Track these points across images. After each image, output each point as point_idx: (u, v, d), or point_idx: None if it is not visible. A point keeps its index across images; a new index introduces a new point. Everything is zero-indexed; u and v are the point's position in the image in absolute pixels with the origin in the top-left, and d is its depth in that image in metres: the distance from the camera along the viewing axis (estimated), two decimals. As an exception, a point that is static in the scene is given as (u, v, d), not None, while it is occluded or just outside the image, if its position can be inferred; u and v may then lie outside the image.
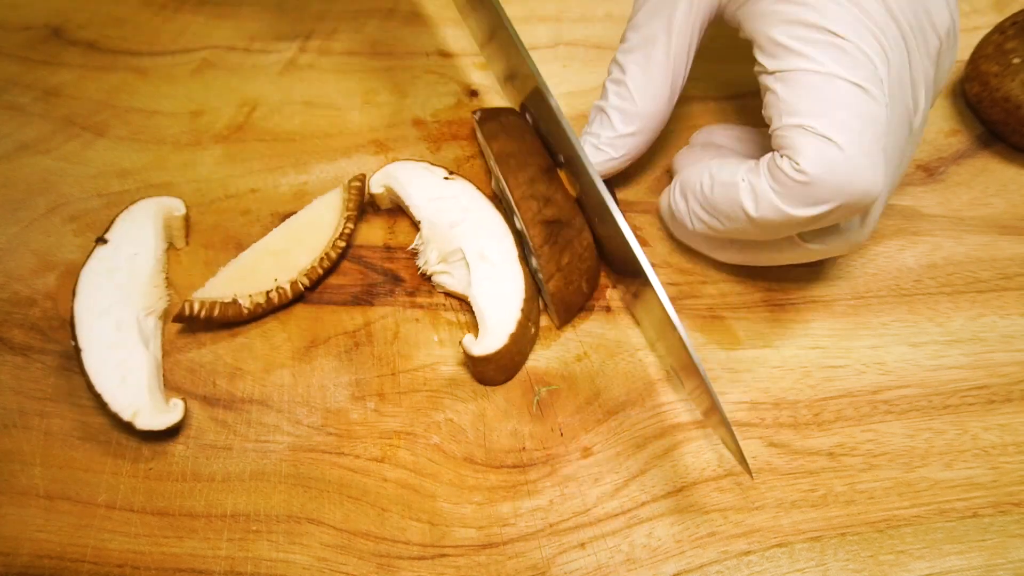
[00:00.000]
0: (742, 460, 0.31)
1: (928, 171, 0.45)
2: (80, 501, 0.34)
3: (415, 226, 0.41)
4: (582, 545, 0.32)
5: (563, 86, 0.48)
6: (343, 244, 0.40)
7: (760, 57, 0.32)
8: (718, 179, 0.33)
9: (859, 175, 0.29)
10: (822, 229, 0.32)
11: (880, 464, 0.34)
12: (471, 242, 0.38)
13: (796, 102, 0.30)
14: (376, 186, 0.42)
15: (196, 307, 0.37)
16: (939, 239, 0.42)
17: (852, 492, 0.33)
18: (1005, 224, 0.42)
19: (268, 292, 0.38)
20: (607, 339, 0.38)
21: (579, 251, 0.37)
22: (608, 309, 0.39)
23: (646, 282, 0.33)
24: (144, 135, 0.46)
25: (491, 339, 0.35)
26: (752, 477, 0.33)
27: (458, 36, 0.51)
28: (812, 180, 0.29)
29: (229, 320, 0.38)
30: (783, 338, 0.38)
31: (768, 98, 0.32)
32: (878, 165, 0.30)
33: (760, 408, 0.36)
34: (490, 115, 0.41)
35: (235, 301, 0.38)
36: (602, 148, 0.38)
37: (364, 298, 0.39)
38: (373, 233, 0.42)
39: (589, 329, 0.38)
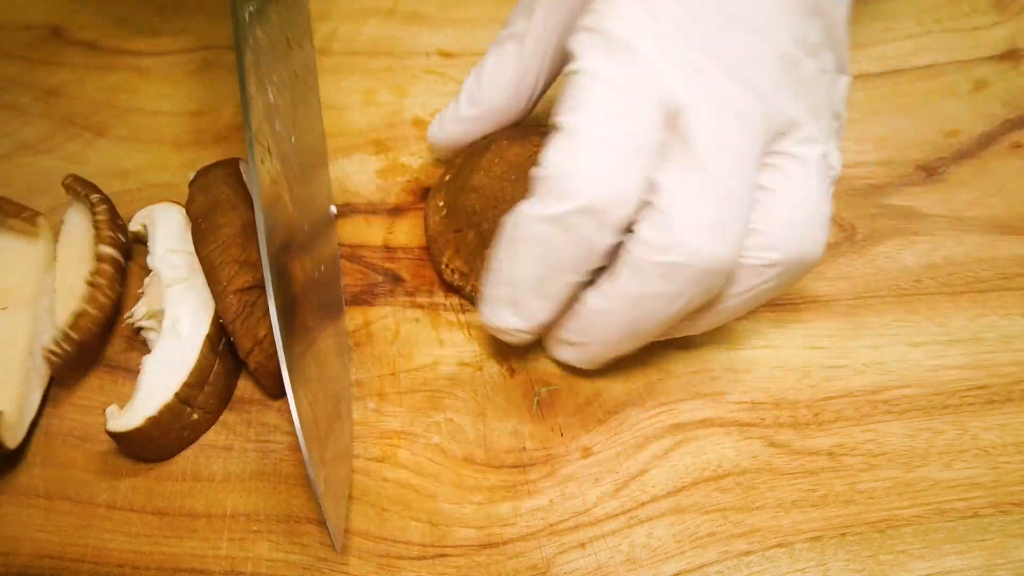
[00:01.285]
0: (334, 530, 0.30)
1: (928, 171, 0.45)
2: (80, 501, 0.33)
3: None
4: (582, 545, 0.32)
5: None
6: (104, 298, 0.36)
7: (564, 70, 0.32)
8: (506, 237, 0.31)
9: (596, 166, 0.28)
10: (655, 234, 0.29)
11: (880, 464, 0.34)
12: (174, 308, 0.36)
13: (559, 99, 0.30)
14: (135, 224, 0.40)
15: None
16: (939, 239, 0.42)
17: (852, 492, 0.33)
18: (1005, 224, 0.42)
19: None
20: (607, 339, 0.38)
21: None
22: (608, 309, 0.39)
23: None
24: (144, 135, 0.46)
25: (129, 417, 0.33)
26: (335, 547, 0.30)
27: (458, 36, 0.51)
28: (549, 174, 0.28)
29: None
30: (783, 338, 0.38)
31: None
32: (618, 160, 0.28)
33: (760, 408, 0.36)
34: (201, 173, 0.40)
35: None
36: (443, 124, 0.40)
37: (364, 298, 0.39)
38: (373, 233, 0.42)
39: (589, 329, 0.38)
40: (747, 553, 0.32)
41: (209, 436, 0.35)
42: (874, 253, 0.41)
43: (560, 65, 0.37)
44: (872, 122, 0.47)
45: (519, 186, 0.36)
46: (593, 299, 0.31)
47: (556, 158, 0.29)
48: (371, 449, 0.35)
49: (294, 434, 0.35)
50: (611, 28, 0.29)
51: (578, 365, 0.35)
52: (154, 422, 0.33)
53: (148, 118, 0.47)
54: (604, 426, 0.35)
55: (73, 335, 0.35)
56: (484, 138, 0.40)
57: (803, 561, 0.32)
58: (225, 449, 0.35)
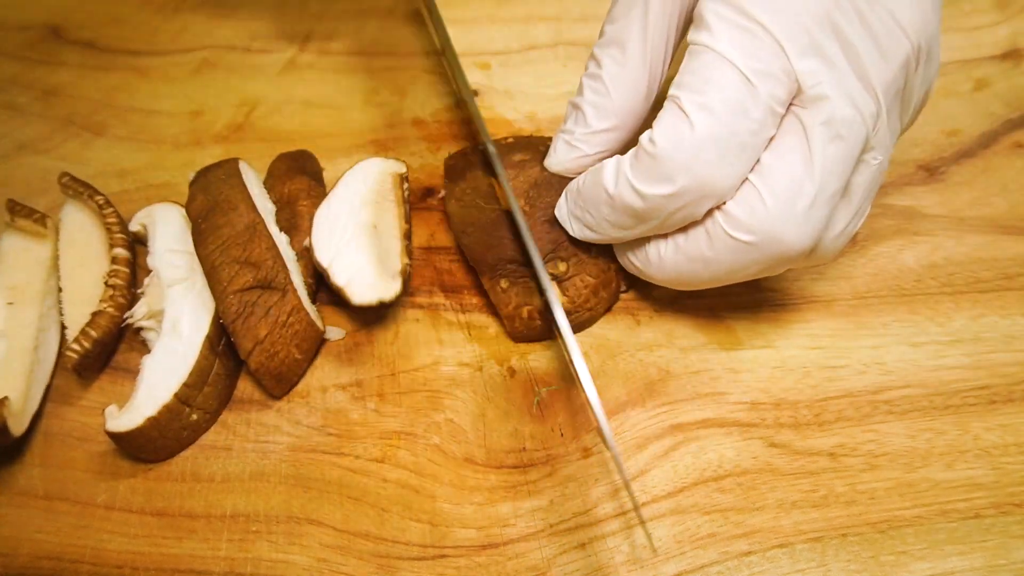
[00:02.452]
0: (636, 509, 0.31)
1: (929, 171, 0.45)
2: (79, 502, 0.33)
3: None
4: (582, 545, 0.32)
5: (563, 86, 0.48)
6: (122, 299, 0.36)
7: (689, 33, 0.31)
8: (592, 170, 0.33)
9: (703, 158, 0.29)
10: (748, 215, 0.30)
11: (881, 464, 0.34)
12: (174, 308, 0.36)
13: (683, 75, 0.30)
14: (135, 224, 0.40)
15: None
16: (940, 239, 0.41)
17: (853, 493, 0.33)
18: (1006, 224, 0.42)
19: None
20: (607, 339, 0.38)
21: (282, 318, 0.35)
22: (610, 311, 0.39)
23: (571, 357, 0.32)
24: (143, 135, 0.46)
25: (129, 417, 0.33)
26: (654, 551, 0.32)
27: (458, 36, 0.51)
28: (658, 154, 0.29)
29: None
30: (784, 338, 0.38)
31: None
32: (727, 156, 0.29)
33: (761, 408, 0.36)
34: (201, 173, 0.40)
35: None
36: (575, 144, 0.36)
37: (364, 298, 0.39)
38: (373, 233, 0.42)
39: (589, 330, 0.38)
40: (748, 554, 0.32)
41: (209, 436, 0.35)
42: (875, 253, 0.41)
43: (680, 36, 0.35)
44: (873, 122, 0.47)
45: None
46: (662, 246, 0.33)
47: (668, 139, 0.29)
48: (371, 449, 0.35)
49: (294, 435, 0.35)
50: (748, 7, 0.29)
51: (640, 276, 0.36)
52: (153, 422, 0.33)
53: (147, 118, 0.47)
54: (604, 426, 0.35)
55: (93, 333, 0.35)
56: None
57: (804, 562, 0.31)
58: (224, 450, 0.35)
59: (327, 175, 0.44)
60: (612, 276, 0.38)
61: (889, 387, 0.36)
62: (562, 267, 0.37)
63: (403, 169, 0.42)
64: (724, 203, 0.30)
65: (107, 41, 0.51)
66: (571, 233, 0.36)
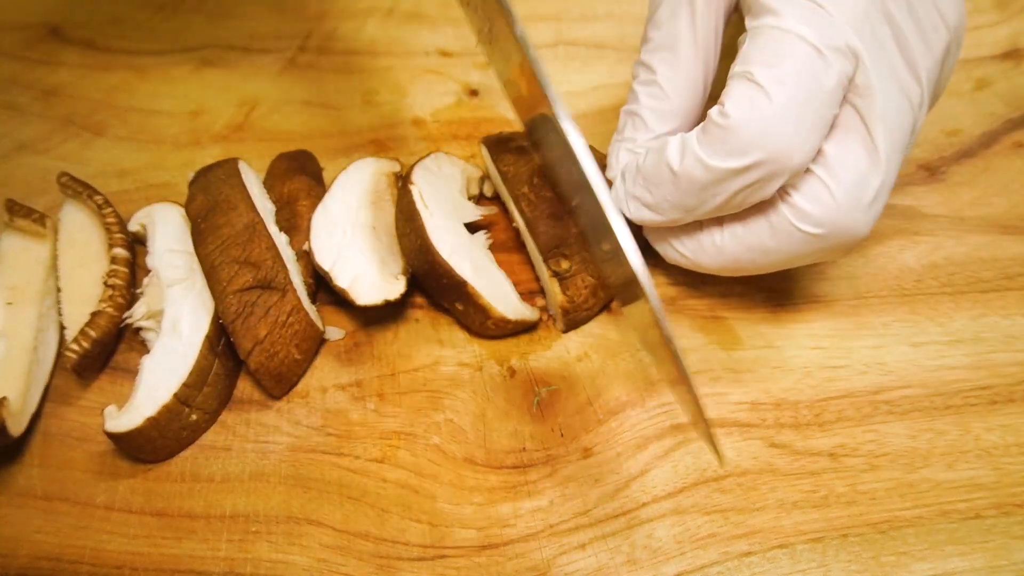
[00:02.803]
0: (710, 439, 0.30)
1: (929, 170, 0.45)
2: (78, 502, 0.33)
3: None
4: (582, 546, 0.32)
5: (563, 86, 0.48)
6: (121, 299, 0.36)
7: (745, 20, 0.31)
8: (654, 148, 0.33)
9: (780, 129, 0.29)
10: (817, 207, 0.30)
11: (882, 465, 0.34)
12: (174, 308, 0.36)
13: (750, 52, 0.30)
14: (134, 224, 0.40)
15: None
16: (940, 239, 0.41)
17: (854, 493, 0.33)
18: (1007, 224, 0.42)
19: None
20: (608, 339, 0.38)
21: (282, 318, 0.35)
22: (609, 310, 0.39)
23: (646, 300, 0.31)
24: (143, 135, 0.46)
25: (128, 417, 0.33)
26: (721, 464, 0.32)
27: (458, 36, 0.51)
28: (732, 126, 0.29)
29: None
30: (784, 338, 0.38)
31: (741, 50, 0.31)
32: (803, 127, 0.29)
33: (761, 408, 0.36)
34: (201, 173, 0.40)
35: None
36: (639, 151, 0.35)
37: (364, 298, 0.39)
38: (373, 233, 0.42)
39: (590, 329, 0.38)
40: (748, 554, 0.32)
41: (208, 437, 0.35)
42: (875, 253, 0.41)
43: (719, 48, 0.35)
44: (873, 121, 0.47)
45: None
46: (717, 236, 0.33)
47: (742, 110, 0.29)
48: (371, 450, 0.35)
49: (293, 435, 0.35)
50: None
51: (683, 266, 0.36)
52: (153, 423, 0.33)
53: (147, 118, 0.47)
54: (604, 427, 0.35)
55: (92, 333, 0.35)
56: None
57: (804, 562, 0.31)
58: (224, 450, 0.35)
59: (327, 175, 0.44)
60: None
61: (890, 387, 0.36)
62: (565, 264, 0.36)
63: (397, 168, 0.42)
64: (789, 194, 0.30)
65: (107, 41, 0.51)
66: (627, 214, 0.34)
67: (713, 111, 0.30)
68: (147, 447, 0.33)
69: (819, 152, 0.30)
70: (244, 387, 0.37)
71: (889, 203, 0.43)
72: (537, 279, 0.39)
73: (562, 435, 0.35)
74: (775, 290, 0.39)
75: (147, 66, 0.50)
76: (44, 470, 0.34)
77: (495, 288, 0.36)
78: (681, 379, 0.30)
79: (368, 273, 0.36)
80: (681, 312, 0.39)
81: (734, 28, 0.34)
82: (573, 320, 0.37)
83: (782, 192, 0.31)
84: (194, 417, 0.34)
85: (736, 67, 0.30)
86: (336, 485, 0.34)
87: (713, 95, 0.33)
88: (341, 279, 0.36)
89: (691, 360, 0.37)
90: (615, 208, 0.30)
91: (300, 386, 0.37)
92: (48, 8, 0.53)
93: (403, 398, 0.36)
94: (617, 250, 0.32)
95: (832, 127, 0.30)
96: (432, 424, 0.35)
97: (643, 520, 0.33)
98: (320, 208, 0.39)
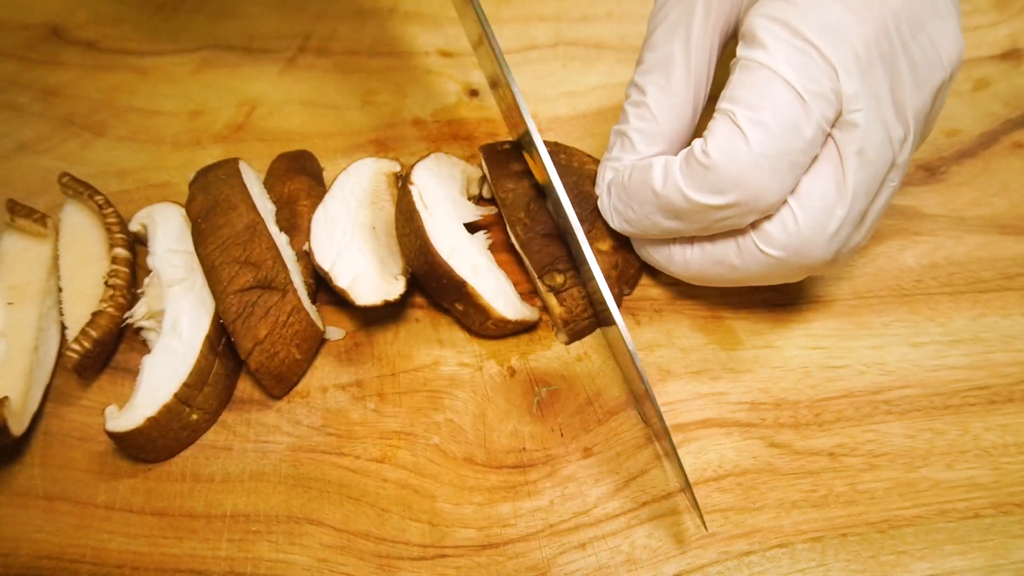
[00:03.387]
0: (694, 505, 0.31)
1: (929, 171, 0.45)
2: (79, 502, 0.33)
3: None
4: (582, 546, 0.32)
5: (563, 86, 0.48)
6: (122, 299, 0.37)
7: (738, 47, 0.32)
8: (639, 167, 0.33)
9: (756, 174, 0.29)
10: (781, 233, 0.31)
11: (881, 464, 0.34)
12: (175, 308, 0.36)
13: (735, 89, 0.30)
14: (135, 224, 0.40)
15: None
16: (940, 239, 0.41)
17: (853, 492, 0.33)
18: (1006, 224, 0.42)
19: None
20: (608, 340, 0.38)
21: (282, 318, 0.35)
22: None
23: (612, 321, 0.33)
24: (143, 135, 0.46)
25: (129, 417, 0.33)
26: (705, 528, 0.32)
27: (458, 36, 0.51)
28: (712, 166, 0.30)
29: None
30: (784, 338, 0.38)
31: (729, 79, 0.32)
32: (778, 172, 0.30)
33: (761, 408, 0.36)
34: (201, 173, 0.40)
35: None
36: (625, 169, 0.35)
37: (364, 298, 0.39)
38: (373, 233, 0.42)
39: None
40: (747, 553, 0.32)
41: (209, 436, 0.35)
42: (875, 253, 0.41)
43: (712, 74, 0.36)
44: (873, 122, 0.47)
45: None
46: (688, 250, 0.34)
47: (722, 152, 0.30)
48: (371, 449, 0.35)
49: (294, 435, 0.35)
50: (802, 28, 0.29)
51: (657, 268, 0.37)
52: (153, 422, 0.33)
53: (147, 118, 0.47)
54: (604, 426, 0.35)
55: (93, 333, 0.35)
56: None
57: (804, 561, 0.31)
58: (225, 449, 0.35)
59: (327, 175, 0.44)
60: (611, 284, 0.38)
61: (889, 387, 0.36)
62: (559, 279, 0.37)
63: (397, 168, 0.42)
64: (758, 219, 0.31)
65: (107, 41, 0.51)
66: (611, 225, 0.36)
67: (696, 146, 0.31)
68: (148, 447, 0.33)
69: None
70: (244, 387, 0.37)
71: (889, 203, 0.43)
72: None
73: (562, 435, 0.35)
74: (775, 290, 0.39)
75: (147, 66, 0.50)
76: (45, 470, 0.34)
77: (495, 288, 0.36)
78: (660, 429, 0.31)
79: (368, 274, 0.36)
80: (681, 312, 0.39)
81: (730, 53, 0.34)
82: (574, 330, 0.37)
83: None
84: (194, 417, 0.34)
85: (722, 102, 0.31)
86: (336, 485, 0.34)
87: (707, 113, 0.33)
88: (341, 279, 0.36)
89: (691, 360, 0.37)
90: (587, 245, 0.33)
91: (300, 386, 0.37)
92: (49, 9, 0.53)
93: (403, 398, 0.36)
94: (589, 279, 0.34)
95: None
96: (432, 424, 0.35)
97: (643, 519, 0.33)
98: (320, 208, 0.39)
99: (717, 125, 0.30)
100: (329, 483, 0.34)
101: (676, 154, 0.33)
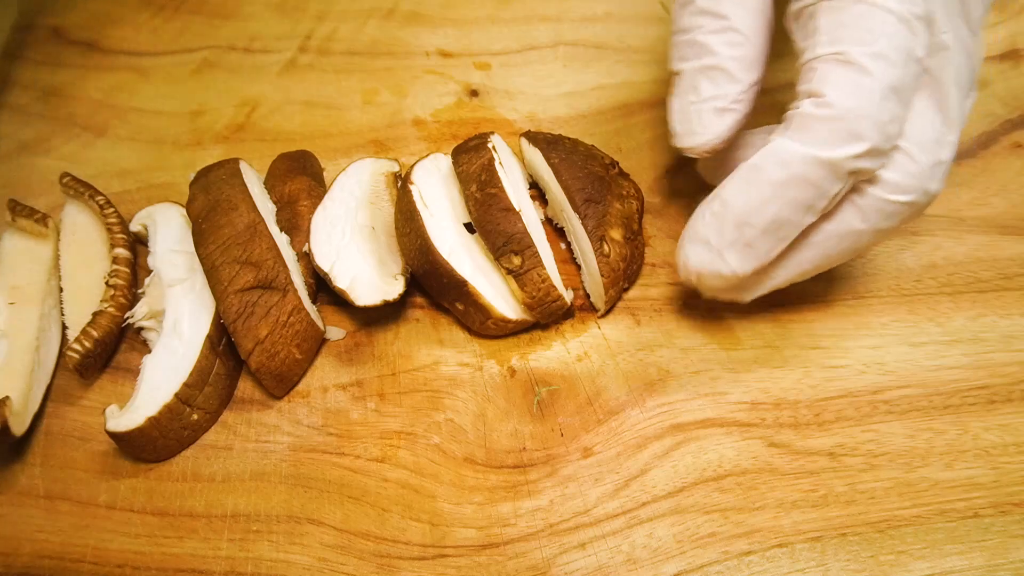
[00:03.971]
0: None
1: (928, 171, 0.45)
2: (80, 501, 0.33)
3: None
4: (582, 545, 0.32)
5: (563, 86, 0.48)
6: (123, 299, 0.37)
7: None
8: (736, 178, 0.30)
9: (889, 108, 0.28)
10: (905, 176, 0.30)
11: (881, 464, 0.34)
12: (176, 308, 0.36)
13: (838, 30, 0.28)
14: (136, 224, 0.40)
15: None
16: (939, 239, 0.41)
17: (853, 492, 0.33)
18: (1006, 224, 0.42)
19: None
20: (607, 339, 0.38)
21: (283, 318, 0.35)
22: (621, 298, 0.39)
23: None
24: (144, 135, 0.46)
25: (130, 417, 0.33)
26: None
27: (458, 36, 0.51)
28: (841, 113, 0.28)
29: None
30: (784, 338, 0.38)
31: (807, 29, 0.29)
32: (905, 100, 0.29)
33: (761, 408, 0.36)
34: (202, 173, 0.40)
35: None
36: (731, 108, 0.32)
37: (364, 298, 0.39)
38: (373, 233, 0.42)
39: (589, 329, 0.38)
40: (747, 553, 0.32)
41: (209, 436, 0.35)
42: (874, 253, 0.41)
43: None
44: (872, 122, 0.47)
45: None
46: (799, 254, 0.32)
47: (849, 92, 0.28)
48: (371, 449, 0.35)
49: (294, 434, 0.35)
50: None
51: (737, 299, 0.34)
52: (154, 422, 0.33)
53: (148, 118, 0.47)
54: (604, 426, 0.35)
55: (94, 333, 0.35)
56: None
57: (803, 561, 0.32)
58: (225, 449, 0.35)
59: (327, 175, 0.44)
60: (617, 278, 0.37)
61: (889, 387, 0.36)
62: (516, 261, 0.35)
63: (396, 168, 0.42)
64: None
65: (108, 42, 0.51)
66: (729, 270, 0.31)
67: (805, 105, 0.28)
68: (148, 447, 0.33)
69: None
70: (245, 387, 0.37)
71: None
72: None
73: (562, 435, 0.35)
74: (775, 290, 0.39)
75: (148, 67, 0.50)
76: (46, 469, 0.34)
77: (495, 288, 0.36)
78: None
79: (367, 274, 0.36)
80: (681, 312, 0.39)
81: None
82: (548, 311, 0.36)
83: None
84: (195, 416, 0.34)
85: (819, 48, 0.29)
86: (337, 484, 0.34)
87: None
88: (340, 280, 0.36)
89: (691, 360, 0.37)
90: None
91: (301, 386, 0.37)
92: (50, 9, 0.53)
93: (403, 398, 0.36)
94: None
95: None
96: (432, 424, 0.35)
97: (643, 520, 0.33)
98: (319, 209, 0.39)
99: (828, 70, 0.28)
100: (329, 483, 0.34)
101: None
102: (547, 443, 0.35)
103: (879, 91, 0.28)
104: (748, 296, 0.34)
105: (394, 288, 0.36)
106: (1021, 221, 0.42)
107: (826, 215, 0.31)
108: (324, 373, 0.37)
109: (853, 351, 0.37)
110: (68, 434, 0.35)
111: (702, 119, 0.32)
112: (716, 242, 0.31)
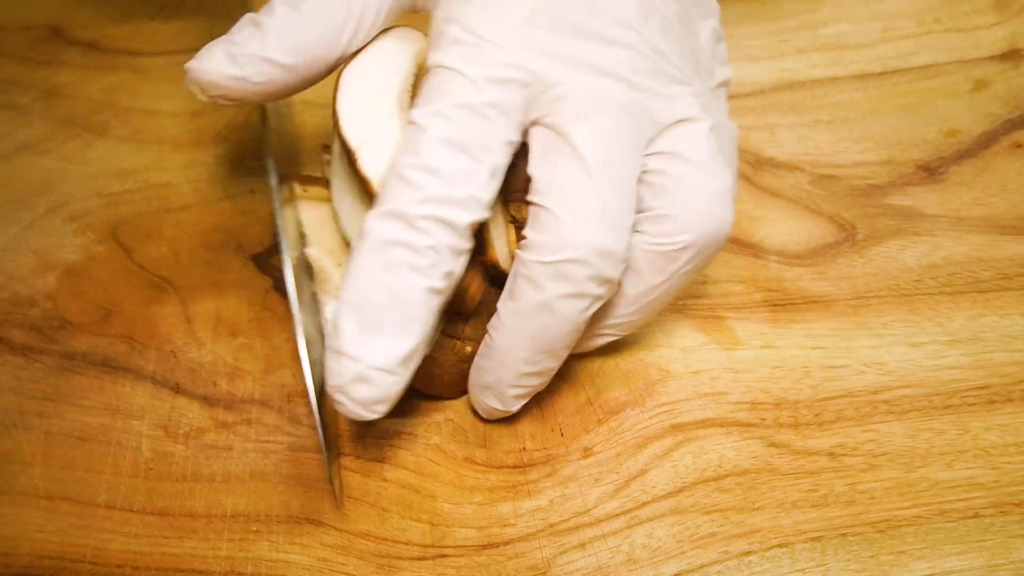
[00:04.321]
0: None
1: (928, 171, 0.45)
2: (80, 501, 0.33)
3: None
4: (582, 545, 0.32)
5: (563, 86, 0.48)
6: None
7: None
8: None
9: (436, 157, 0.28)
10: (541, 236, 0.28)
11: (881, 464, 0.34)
12: None
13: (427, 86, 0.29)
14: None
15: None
16: (939, 239, 0.41)
17: (853, 492, 0.33)
18: (1006, 224, 0.42)
19: None
20: (607, 339, 0.38)
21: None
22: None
23: None
24: (145, 135, 0.46)
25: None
26: (338, 504, 0.32)
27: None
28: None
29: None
30: (783, 338, 0.38)
31: None
32: (466, 157, 0.29)
33: (761, 408, 0.36)
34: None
35: None
36: (240, 63, 0.31)
37: (364, 298, 0.39)
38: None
39: (589, 329, 0.38)
40: (748, 553, 0.32)
41: (209, 436, 0.35)
42: (875, 253, 0.41)
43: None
44: (872, 122, 0.47)
45: None
46: (495, 324, 0.31)
47: (404, 152, 0.28)
48: (371, 449, 0.35)
49: (294, 434, 0.35)
50: (475, 26, 0.29)
51: (503, 409, 0.33)
52: (430, 359, 0.32)
53: (148, 118, 0.47)
54: (604, 426, 0.35)
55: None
56: None
57: (804, 561, 0.32)
58: (225, 449, 0.35)
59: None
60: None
61: (889, 387, 0.36)
62: (524, 212, 0.31)
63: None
64: (523, 237, 0.30)
65: (108, 41, 0.51)
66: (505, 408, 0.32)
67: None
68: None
69: (533, 183, 0.29)
70: (245, 386, 0.37)
71: (888, 203, 0.43)
72: None
73: (562, 435, 0.35)
74: (775, 290, 0.39)
75: (149, 66, 0.50)
76: (46, 470, 0.34)
77: (496, 228, 0.32)
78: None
79: None
80: (681, 312, 0.39)
81: None
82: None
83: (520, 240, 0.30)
84: (468, 349, 0.33)
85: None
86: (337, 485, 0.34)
87: None
88: (371, 165, 0.30)
89: (691, 360, 0.37)
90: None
91: (301, 385, 0.37)
92: (50, 9, 0.53)
93: (403, 397, 0.36)
94: None
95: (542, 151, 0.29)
96: (432, 424, 0.35)
97: (643, 520, 0.33)
98: (352, 65, 0.32)
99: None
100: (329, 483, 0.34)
101: (306, 84, 0.32)
102: (547, 443, 0.35)
103: (435, 144, 0.28)
104: (513, 406, 0.33)
105: None
106: (1021, 221, 0.42)
107: (509, 296, 0.30)
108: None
109: (853, 351, 0.37)
110: (68, 434, 0.35)
111: (214, 53, 0.32)
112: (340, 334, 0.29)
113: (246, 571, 0.32)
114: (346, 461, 0.34)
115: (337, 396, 0.28)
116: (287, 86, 0.32)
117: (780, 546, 0.32)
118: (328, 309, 0.36)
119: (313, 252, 0.37)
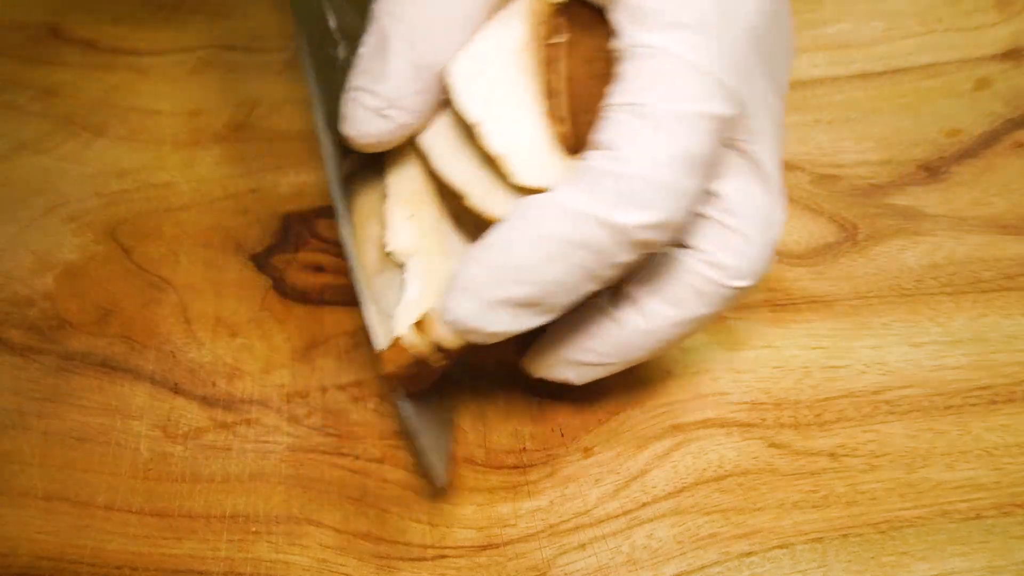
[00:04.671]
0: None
1: (929, 171, 0.45)
2: (79, 502, 0.33)
3: None
4: (582, 546, 0.32)
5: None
6: None
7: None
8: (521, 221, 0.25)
9: (684, 176, 0.24)
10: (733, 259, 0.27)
11: (882, 465, 0.34)
12: None
13: (640, 80, 0.24)
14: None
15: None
16: (941, 239, 0.41)
17: (854, 493, 0.33)
18: (1007, 224, 0.42)
19: None
20: (608, 339, 0.38)
21: None
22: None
23: None
24: (143, 134, 0.46)
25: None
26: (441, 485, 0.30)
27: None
28: (636, 173, 0.24)
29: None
30: (784, 338, 0.38)
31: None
32: (705, 176, 0.25)
33: (761, 409, 0.36)
34: None
35: None
36: (387, 114, 0.28)
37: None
38: (373, 233, 0.42)
39: (590, 329, 0.38)
40: (748, 554, 0.32)
41: (208, 436, 0.35)
42: (875, 253, 0.41)
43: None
44: (873, 121, 0.47)
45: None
46: (633, 318, 0.29)
47: (643, 154, 0.24)
48: (371, 450, 0.35)
49: (293, 435, 0.35)
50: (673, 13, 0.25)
51: (575, 382, 0.32)
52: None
53: (147, 118, 0.47)
54: (604, 426, 0.35)
55: None
56: None
57: (804, 562, 0.31)
58: (224, 450, 0.35)
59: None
60: None
61: (890, 387, 0.36)
62: (568, 126, 0.28)
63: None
64: (700, 252, 0.28)
65: (107, 41, 0.51)
66: (492, 329, 0.26)
67: (598, 155, 0.25)
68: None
69: (718, 198, 0.27)
70: (244, 386, 0.37)
71: (889, 203, 0.43)
72: None
73: (562, 435, 0.35)
74: (775, 290, 0.39)
75: (147, 66, 0.50)
76: (44, 470, 0.34)
77: (513, 133, 0.27)
78: None
79: (536, 141, 0.27)
80: (681, 312, 0.39)
81: None
82: None
83: (689, 252, 0.28)
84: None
85: (617, 96, 0.25)
86: (336, 485, 0.34)
87: None
88: (496, 140, 0.26)
89: (691, 360, 0.37)
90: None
91: (300, 386, 0.37)
92: (48, 8, 0.53)
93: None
94: None
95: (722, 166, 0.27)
96: (432, 424, 0.35)
97: (643, 520, 0.33)
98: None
99: (623, 122, 0.24)
100: (329, 483, 0.34)
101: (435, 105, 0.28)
102: (547, 443, 0.35)
103: (679, 156, 0.24)
104: (586, 380, 0.32)
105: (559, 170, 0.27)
106: (1023, 221, 0.42)
107: (660, 296, 0.28)
108: (324, 373, 0.37)
109: (854, 351, 0.37)
110: (67, 434, 0.35)
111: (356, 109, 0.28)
112: (487, 296, 0.25)
113: (245, 572, 0.32)
114: (346, 461, 0.34)
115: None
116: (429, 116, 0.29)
117: (781, 547, 0.32)
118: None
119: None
